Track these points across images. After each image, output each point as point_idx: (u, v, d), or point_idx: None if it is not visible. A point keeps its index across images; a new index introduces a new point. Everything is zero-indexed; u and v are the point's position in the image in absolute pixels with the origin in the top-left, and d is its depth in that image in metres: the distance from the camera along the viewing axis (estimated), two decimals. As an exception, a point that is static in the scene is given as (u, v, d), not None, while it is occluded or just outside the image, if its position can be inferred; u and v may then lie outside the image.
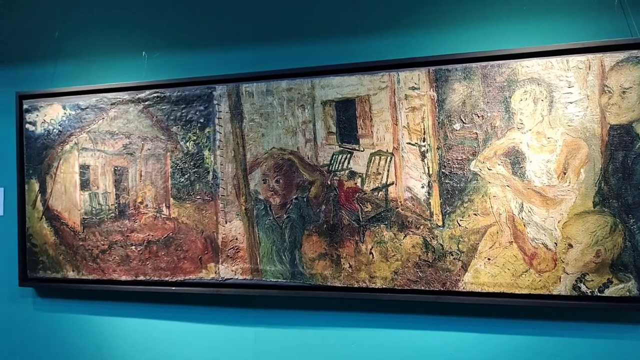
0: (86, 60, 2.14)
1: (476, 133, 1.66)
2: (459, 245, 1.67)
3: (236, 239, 1.89)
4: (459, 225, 1.67)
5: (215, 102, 1.91)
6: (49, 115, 2.11)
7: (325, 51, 1.85)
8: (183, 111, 1.95)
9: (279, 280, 1.85)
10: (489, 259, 1.65)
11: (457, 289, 1.68)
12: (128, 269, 2.00)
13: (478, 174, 1.66)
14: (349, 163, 1.78)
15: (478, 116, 1.66)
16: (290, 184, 1.84)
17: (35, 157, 2.12)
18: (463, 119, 1.67)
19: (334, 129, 1.80)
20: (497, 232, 1.64)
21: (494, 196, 1.64)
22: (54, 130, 2.10)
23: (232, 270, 1.89)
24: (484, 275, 1.65)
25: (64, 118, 2.09)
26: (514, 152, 1.63)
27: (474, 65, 1.67)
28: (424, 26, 1.77)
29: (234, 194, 1.89)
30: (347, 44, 1.84)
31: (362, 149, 1.77)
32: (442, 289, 1.69)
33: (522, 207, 1.62)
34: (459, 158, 1.67)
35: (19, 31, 2.22)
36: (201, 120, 1.93)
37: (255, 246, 1.87)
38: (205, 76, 1.93)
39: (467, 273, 1.67)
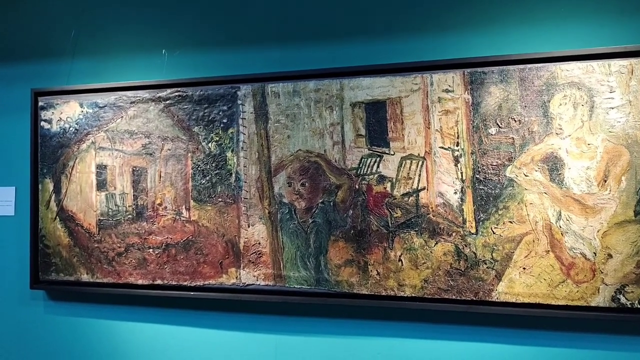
0: (104, 58, 2.08)
1: (513, 138, 1.61)
2: (493, 254, 1.62)
3: (259, 243, 1.83)
4: (493, 233, 1.62)
5: (239, 102, 1.86)
6: (65, 113, 2.05)
7: (354, 51, 1.80)
8: (205, 111, 1.89)
9: (303, 286, 1.78)
10: (524, 268, 1.59)
11: (490, 299, 1.62)
12: (145, 272, 1.94)
13: (514, 180, 1.60)
14: (378, 167, 1.72)
15: (515, 120, 1.61)
16: (317, 188, 1.78)
17: (50, 155, 2.06)
18: (499, 123, 1.62)
19: (363, 131, 1.74)
20: (533, 241, 1.58)
21: (531, 203, 1.59)
22: (70, 128, 2.04)
23: (254, 276, 1.83)
24: (519, 285, 1.59)
25: (81, 116, 2.03)
26: (552, 158, 1.57)
27: (511, 67, 1.61)
28: (458, 27, 1.72)
29: (257, 197, 1.83)
30: (378, 45, 1.79)
31: (393, 153, 1.71)
32: (474, 298, 1.63)
33: (559, 215, 1.56)
34: (494, 163, 1.62)
35: (35, 26, 2.16)
36: (224, 121, 1.87)
37: (278, 251, 1.81)
38: (230, 75, 1.87)
39: (500, 282, 1.61)
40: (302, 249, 1.79)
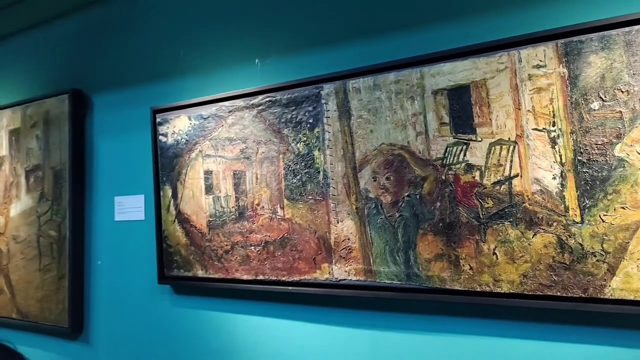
0: (206, 73, 2.29)
1: (620, 112, 1.40)
2: (604, 245, 1.42)
3: (348, 239, 1.85)
4: (603, 221, 1.42)
5: (323, 101, 1.90)
6: (177, 127, 2.29)
7: (433, 37, 1.73)
8: (293, 113, 1.97)
9: (394, 282, 1.76)
10: (643, 260, 1.37)
11: (602, 296, 1.42)
12: (248, 268, 2.08)
13: (625, 159, 1.40)
14: (465, 155, 1.63)
15: (622, 91, 1.40)
16: (402, 181, 1.74)
17: (167, 165, 2.32)
18: (603, 97, 1.43)
19: (446, 119, 1.66)
20: (654, 229, 1.36)
21: (648, 185, 1.37)
22: (182, 139, 2.28)
23: (346, 271, 1.85)
24: (638, 280, 1.38)
25: (190, 128, 2.25)
26: (672, 131, 1.34)
27: (613, 32, 1.41)
28: (548, -5, 1.56)
29: (344, 193, 1.86)
30: (457, 27, 1.70)
31: (480, 139, 1.61)
32: (583, 295, 1.45)
33: (687, 197, 1.32)
34: (599, 142, 1.43)
35: (150, 51, 2.46)
36: (310, 121, 1.93)
37: (367, 246, 1.81)
38: (313, 76, 1.93)
39: (614, 277, 1.41)
40: (391, 243, 1.76)
